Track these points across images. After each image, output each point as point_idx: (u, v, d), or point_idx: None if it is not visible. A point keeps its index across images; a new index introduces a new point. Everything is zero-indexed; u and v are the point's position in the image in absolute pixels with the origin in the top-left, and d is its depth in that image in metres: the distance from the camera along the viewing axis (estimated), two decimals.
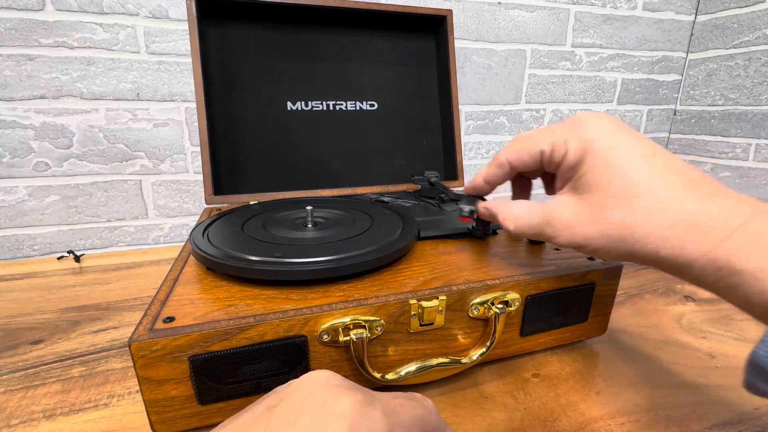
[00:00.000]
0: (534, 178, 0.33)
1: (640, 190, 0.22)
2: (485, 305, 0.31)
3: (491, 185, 0.32)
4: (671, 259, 0.22)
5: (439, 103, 0.66)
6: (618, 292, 0.37)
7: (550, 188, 0.31)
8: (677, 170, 0.23)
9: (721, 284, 0.21)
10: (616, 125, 0.25)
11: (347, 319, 0.27)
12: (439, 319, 0.30)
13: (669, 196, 0.22)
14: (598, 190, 0.24)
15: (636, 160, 0.23)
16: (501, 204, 0.31)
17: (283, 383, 0.24)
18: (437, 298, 0.29)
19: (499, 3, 0.75)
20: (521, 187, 0.34)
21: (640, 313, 0.45)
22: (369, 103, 0.62)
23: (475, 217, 0.35)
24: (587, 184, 0.24)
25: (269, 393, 0.19)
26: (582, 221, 0.24)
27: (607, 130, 0.24)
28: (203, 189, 0.51)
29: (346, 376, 0.29)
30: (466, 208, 0.35)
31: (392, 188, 0.60)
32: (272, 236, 0.36)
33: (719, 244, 0.20)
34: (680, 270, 0.22)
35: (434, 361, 0.30)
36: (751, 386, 0.20)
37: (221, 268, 0.30)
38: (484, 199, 0.35)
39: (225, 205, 0.52)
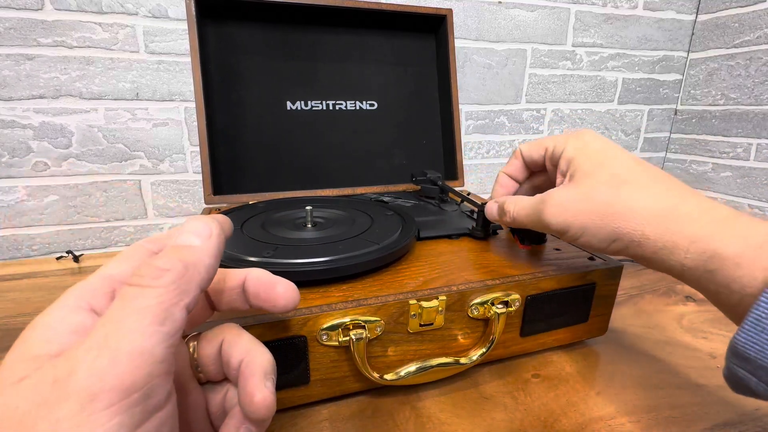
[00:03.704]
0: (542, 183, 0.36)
1: (627, 179, 0.26)
2: (485, 305, 0.31)
3: (509, 176, 0.36)
4: (656, 238, 0.23)
5: (439, 102, 0.66)
6: (618, 293, 0.37)
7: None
8: (660, 173, 0.26)
9: (702, 270, 0.22)
10: (609, 140, 0.29)
11: (347, 320, 0.27)
12: (439, 320, 0.30)
13: (653, 187, 0.25)
14: (589, 177, 0.27)
15: (625, 159, 0.27)
16: (508, 197, 0.34)
17: (283, 383, 0.24)
18: (437, 299, 0.29)
19: (500, 2, 0.75)
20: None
21: (641, 313, 0.45)
22: (369, 102, 0.62)
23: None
24: (581, 174, 0.27)
25: None
26: (574, 200, 0.27)
27: (600, 138, 0.29)
28: (202, 189, 0.51)
29: (345, 377, 0.29)
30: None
31: (392, 188, 0.60)
32: (271, 236, 0.36)
33: (703, 227, 0.22)
34: (665, 252, 0.23)
35: (434, 362, 0.30)
36: (731, 376, 0.20)
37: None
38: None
39: (224, 205, 0.52)
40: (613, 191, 0.25)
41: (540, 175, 0.36)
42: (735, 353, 0.19)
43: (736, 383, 0.20)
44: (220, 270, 0.22)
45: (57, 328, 0.15)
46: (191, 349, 0.20)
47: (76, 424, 0.12)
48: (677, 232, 0.23)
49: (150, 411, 0.14)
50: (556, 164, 0.30)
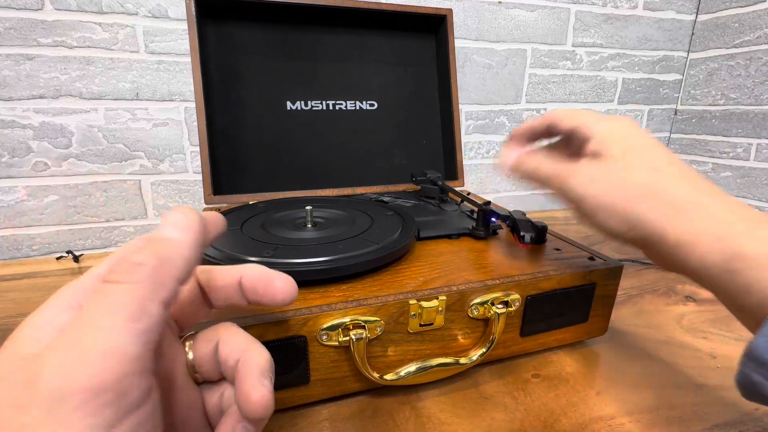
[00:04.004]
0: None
1: (661, 169, 0.25)
2: (485, 305, 0.31)
3: (528, 128, 0.34)
4: (679, 233, 0.23)
5: (439, 102, 0.66)
6: (618, 293, 0.37)
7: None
8: (691, 171, 0.25)
9: (722, 269, 0.21)
10: (645, 130, 0.28)
11: (347, 320, 0.27)
12: (439, 320, 0.30)
13: (684, 181, 0.24)
14: (623, 159, 0.26)
15: (661, 150, 0.26)
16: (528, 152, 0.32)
17: (283, 383, 0.24)
18: (437, 299, 0.29)
19: (500, 2, 0.75)
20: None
21: (641, 313, 0.45)
22: (369, 102, 0.62)
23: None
24: (615, 153, 0.26)
25: None
26: (604, 176, 0.26)
27: (638, 126, 0.28)
28: (202, 189, 0.51)
29: (345, 377, 0.29)
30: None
31: (392, 188, 0.60)
32: (271, 236, 0.36)
33: (730, 226, 0.22)
34: (685, 248, 0.23)
35: (434, 362, 0.30)
36: (745, 381, 0.20)
37: None
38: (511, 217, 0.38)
39: (224, 205, 0.52)
40: (647, 176, 0.25)
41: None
42: (752, 357, 0.19)
43: (749, 389, 0.20)
44: (216, 267, 0.21)
45: (45, 328, 0.15)
46: (187, 349, 0.19)
47: (43, 427, 0.12)
48: (702, 228, 0.22)
49: (125, 411, 0.13)
50: (581, 140, 0.29)
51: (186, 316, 0.21)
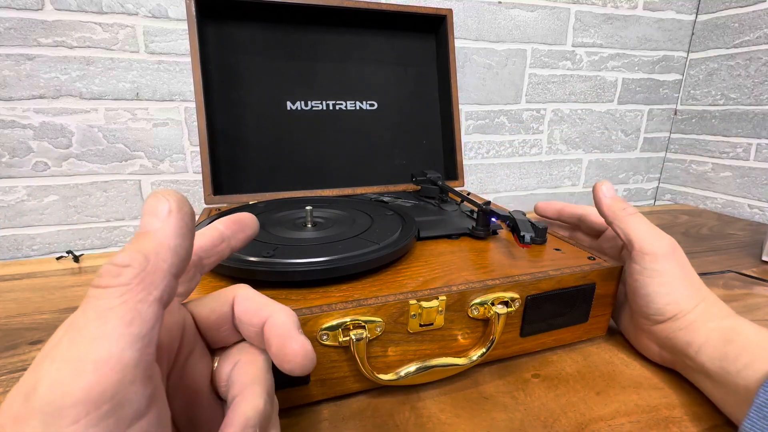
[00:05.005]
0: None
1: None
2: (485, 305, 0.31)
3: (559, 211, 0.45)
4: (683, 315, 0.31)
5: (439, 102, 0.66)
6: (619, 293, 0.37)
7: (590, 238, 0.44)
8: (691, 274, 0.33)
9: (720, 352, 0.28)
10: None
11: (347, 320, 0.27)
12: (439, 320, 0.30)
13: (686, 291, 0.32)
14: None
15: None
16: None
17: (283, 383, 0.23)
18: (437, 299, 0.29)
19: (500, 2, 0.75)
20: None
21: None
22: (369, 103, 0.62)
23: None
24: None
25: None
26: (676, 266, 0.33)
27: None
28: (203, 189, 0.51)
29: (345, 377, 0.29)
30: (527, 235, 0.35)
31: (392, 188, 0.60)
32: (271, 236, 0.36)
33: (728, 315, 0.30)
34: (689, 330, 0.31)
35: (434, 362, 0.30)
36: None
37: (219, 269, 0.30)
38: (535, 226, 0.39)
39: (224, 205, 0.52)
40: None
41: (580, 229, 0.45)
42: None
43: None
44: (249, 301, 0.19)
45: (57, 335, 0.14)
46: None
47: None
48: (704, 318, 0.31)
49: (127, 421, 0.12)
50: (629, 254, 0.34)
51: (216, 341, 0.19)
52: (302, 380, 0.28)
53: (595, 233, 0.43)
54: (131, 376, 0.12)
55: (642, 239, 0.33)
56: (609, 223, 0.35)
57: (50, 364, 0.12)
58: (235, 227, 0.20)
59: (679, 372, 0.33)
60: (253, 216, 0.21)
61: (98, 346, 0.12)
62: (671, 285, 0.32)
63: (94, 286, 0.13)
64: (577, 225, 0.45)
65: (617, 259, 0.37)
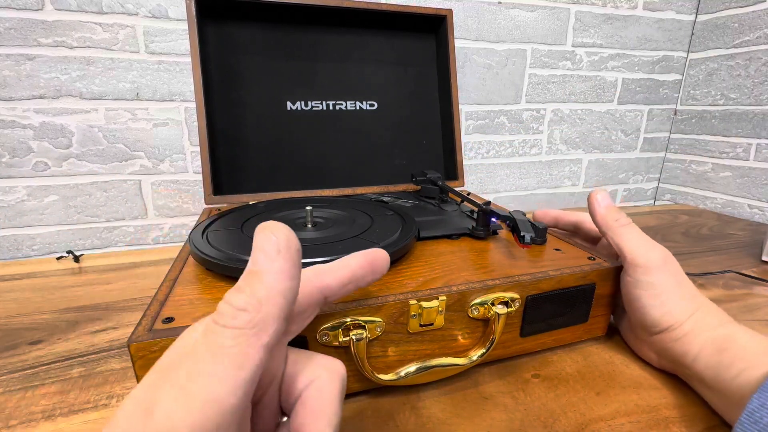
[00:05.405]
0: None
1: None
2: (485, 305, 0.31)
3: (556, 219, 0.45)
4: (678, 325, 0.31)
5: (439, 103, 0.66)
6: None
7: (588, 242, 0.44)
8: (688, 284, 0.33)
9: (715, 361, 0.28)
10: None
11: (347, 320, 0.27)
12: (439, 320, 0.30)
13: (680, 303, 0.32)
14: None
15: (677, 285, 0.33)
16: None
17: None
18: (437, 299, 0.29)
19: (500, 2, 0.75)
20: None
21: None
22: (369, 103, 0.62)
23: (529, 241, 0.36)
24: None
25: None
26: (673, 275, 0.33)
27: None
28: (203, 189, 0.51)
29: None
30: (527, 236, 0.35)
31: (392, 188, 0.60)
32: None
33: (724, 323, 0.30)
34: (684, 341, 0.31)
35: (434, 362, 0.30)
36: None
37: (220, 269, 0.30)
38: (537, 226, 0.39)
39: (224, 205, 0.52)
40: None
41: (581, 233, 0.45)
42: None
43: None
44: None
45: (185, 346, 0.15)
46: None
47: None
48: (700, 325, 0.31)
49: None
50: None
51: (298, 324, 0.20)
52: None
53: (593, 240, 0.43)
54: (228, 421, 0.13)
55: (633, 251, 0.33)
56: (602, 233, 0.35)
57: (169, 390, 0.13)
58: (366, 269, 0.20)
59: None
60: (387, 257, 0.21)
61: (210, 385, 0.13)
62: (664, 297, 0.31)
63: (215, 321, 0.14)
64: (574, 232, 0.45)
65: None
